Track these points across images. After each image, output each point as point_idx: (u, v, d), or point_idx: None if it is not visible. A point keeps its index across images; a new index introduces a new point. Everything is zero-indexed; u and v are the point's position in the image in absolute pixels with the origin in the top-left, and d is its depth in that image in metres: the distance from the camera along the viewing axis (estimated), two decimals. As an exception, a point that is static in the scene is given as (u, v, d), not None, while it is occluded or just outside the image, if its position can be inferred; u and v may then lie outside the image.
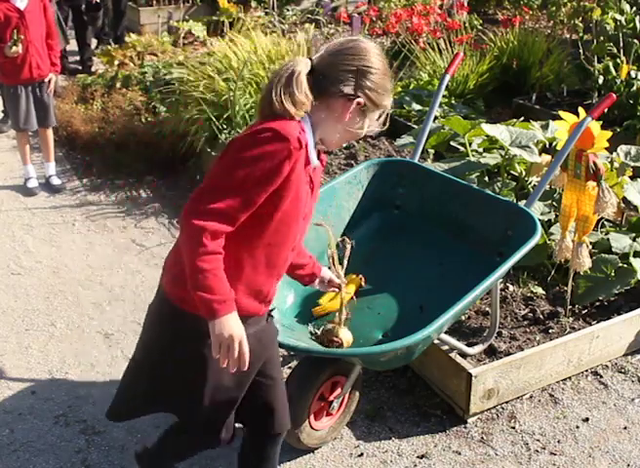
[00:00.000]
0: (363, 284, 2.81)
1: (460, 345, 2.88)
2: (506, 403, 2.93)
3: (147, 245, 4.21)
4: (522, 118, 4.42)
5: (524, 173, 3.88)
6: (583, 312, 3.28)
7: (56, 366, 3.17)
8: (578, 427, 2.84)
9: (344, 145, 5.17)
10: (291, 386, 2.54)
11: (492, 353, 3.00)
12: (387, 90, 1.99)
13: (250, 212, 1.86)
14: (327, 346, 2.50)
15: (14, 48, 4.49)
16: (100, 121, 5.39)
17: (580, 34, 6.16)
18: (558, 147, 3.41)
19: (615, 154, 3.66)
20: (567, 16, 6.22)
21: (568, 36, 6.88)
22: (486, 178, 3.85)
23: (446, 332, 2.70)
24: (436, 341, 2.74)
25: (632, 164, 3.62)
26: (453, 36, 6.33)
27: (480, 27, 7.29)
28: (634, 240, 3.44)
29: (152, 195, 4.79)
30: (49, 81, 4.82)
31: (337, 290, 2.50)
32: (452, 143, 4.34)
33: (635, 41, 5.55)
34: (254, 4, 8.50)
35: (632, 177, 3.65)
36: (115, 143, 5.16)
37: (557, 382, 3.05)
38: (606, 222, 3.75)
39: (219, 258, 1.83)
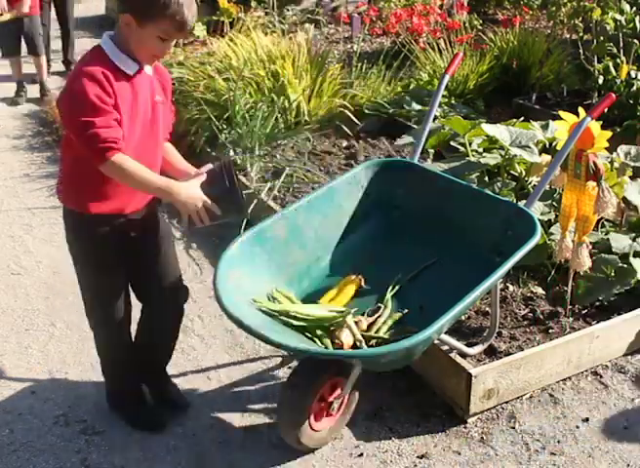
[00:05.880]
0: (363, 284, 2.81)
1: (460, 345, 2.88)
2: (506, 403, 2.93)
3: (147, 245, 4.20)
4: (522, 118, 4.42)
5: (524, 173, 3.87)
6: (583, 312, 3.28)
7: (56, 366, 3.17)
8: (578, 427, 2.84)
9: (344, 145, 5.17)
10: (291, 387, 2.54)
11: (492, 353, 2.99)
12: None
13: None
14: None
15: None
16: (99, 121, 5.38)
17: (580, 34, 6.15)
18: (558, 147, 3.40)
19: (615, 154, 3.66)
20: (567, 16, 6.20)
21: (568, 36, 6.87)
22: (486, 178, 3.84)
23: (446, 333, 2.70)
24: (436, 341, 2.74)
25: (632, 164, 3.61)
26: (453, 36, 6.33)
27: (480, 27, 7.28)
28: (634, 240, 3.44)
29: (152, 195, 4.79)
30: None
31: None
32: (452, 143, 4.33)
33: (635, 41, 5.54)
34: (254, 4, 8.48)
35: (632, 177, 3.65)
36: (115, 143, 5.16)
37: (557, 382, 3.05)
38: (606, 222, 3.74)
39: None
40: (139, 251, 2.63)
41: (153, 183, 2.37)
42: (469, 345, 2.97)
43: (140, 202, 2.56)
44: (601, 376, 3.10)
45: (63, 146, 2.54)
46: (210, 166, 2.52)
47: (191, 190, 2.41)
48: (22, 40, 6.59)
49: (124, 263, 2.62)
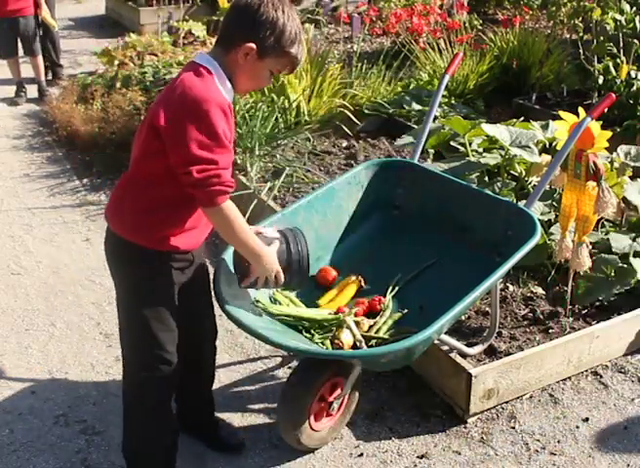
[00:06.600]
0: (363, 284, 2.81)
1: (460, 345, 2.88)
2: (506, 403, 2.93)
3: (147, 245, 4.20)
4: (522, 118, 4.42)
5: (524, 173, 3.88)
6: (583, 312, 3.28)
7: (56, 366, 3.17)
8: (578, 427, 2.84)
9: (344, 145, 5.18)
10: (291, 387, 2.54)
11: (492, 353, 3.00)
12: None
13: None
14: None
15: None
16: (100, 121, 5.38)
17: (580, 34, 6.15)
18: (558, 147, 3.41)
19: (615, 154, 3.66)
20: (567, 16, 6.20)
21: (568, 36, 6.88)
22: (486, 178, 3.84)
23: (446, 333, 2.70)
24: (436, 341, 2.74)
25: (632, 164, 3.62)
26: (453, 36, 6.33)
27: (480, 27, 7.29)
28: (634, 240, 3.44)
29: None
30: None
31: None
32: (452, 143, 4.34)
33: (635, 41, 5.53)
34: (254, 4, 8.49)
35: (632, 177, 3.65)
36: (115, 143, 5.16)
37: (557, 382, 3.05)
38: (606, 222, 3.75)
39: None
40: (191, 283, 2.40)
41: (249, 243, 2.21)
42: (469, 345, 2.97)
43: (204, 237, 2.39)
44: (601, 376, 3.10)
45: (134, 176, 2.25)
46: (272, 230, 2.41)
47: (272, 258, 2.29)
48: (19, 41, 6.59)
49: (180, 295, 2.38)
